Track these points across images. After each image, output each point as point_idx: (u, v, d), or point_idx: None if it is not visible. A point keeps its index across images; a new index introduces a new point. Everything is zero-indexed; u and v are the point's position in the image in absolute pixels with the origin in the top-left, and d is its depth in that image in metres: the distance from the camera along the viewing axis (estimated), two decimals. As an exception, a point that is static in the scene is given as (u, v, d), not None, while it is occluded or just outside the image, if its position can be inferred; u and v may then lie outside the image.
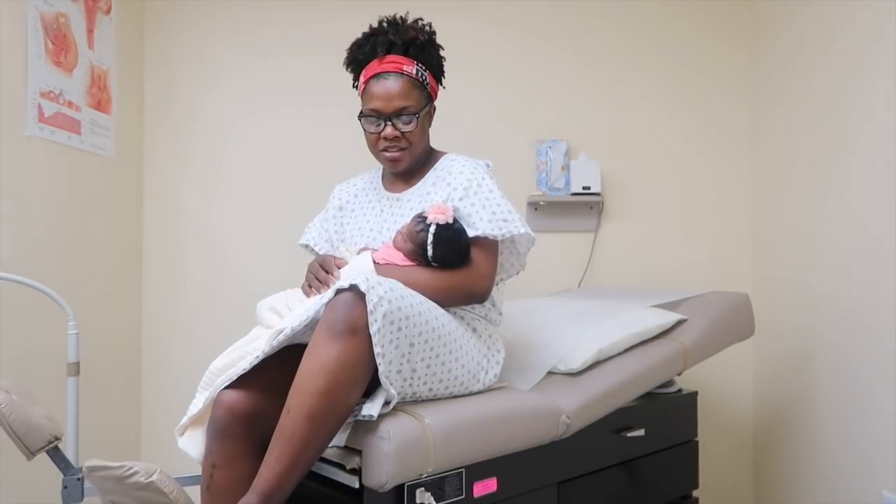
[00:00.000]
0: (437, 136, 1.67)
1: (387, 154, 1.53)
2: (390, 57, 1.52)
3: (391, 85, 1.49)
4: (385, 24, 1.55)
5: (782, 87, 2.40)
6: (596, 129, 2.60)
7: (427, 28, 1.57)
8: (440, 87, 1.63)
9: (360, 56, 1.56)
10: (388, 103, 1.49)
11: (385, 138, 1.51)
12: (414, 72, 1.51)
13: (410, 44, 1.52)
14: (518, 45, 2.59)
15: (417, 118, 1.51)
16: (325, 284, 1.40)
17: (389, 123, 1.50)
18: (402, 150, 1.52)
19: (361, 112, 1.53)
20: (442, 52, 1.60)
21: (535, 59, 2.59)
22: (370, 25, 1.57)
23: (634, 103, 2.62)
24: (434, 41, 1.57)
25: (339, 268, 1.44)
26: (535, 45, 2.59)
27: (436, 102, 1.61)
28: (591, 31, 2.61)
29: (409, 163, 1.56)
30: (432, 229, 1.41)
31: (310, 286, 1.43)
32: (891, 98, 1.81)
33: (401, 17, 1.56)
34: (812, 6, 2.20)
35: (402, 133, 1.50)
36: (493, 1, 2.58)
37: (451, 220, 1.43)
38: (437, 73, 1.59)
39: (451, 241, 1.43)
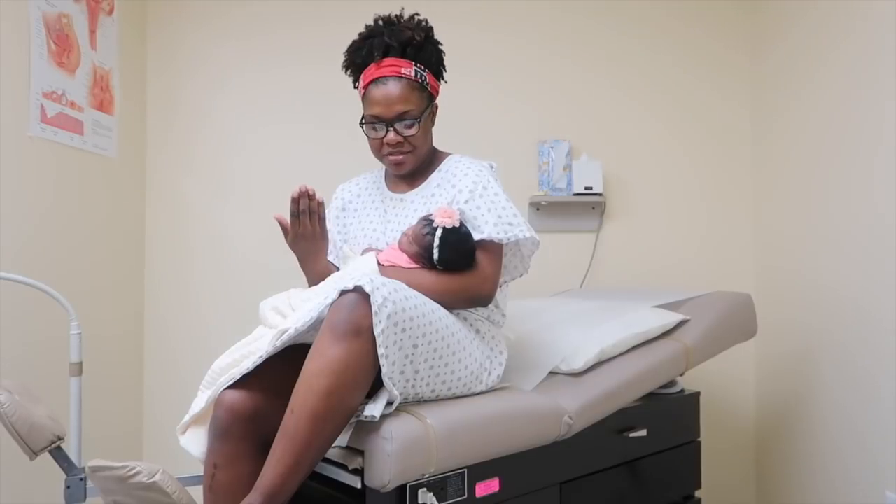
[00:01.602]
0: (440, 135, 1.67)
1: (391, 158, 1.52)
2: (388, 60, 1.50)
3: (391, 89, 1.47)
4: (381, 24, 1.54)
5: (783, 86, 2.39)
6: (598, 129, 2.60)
7: (423, 24, 1.55)
8: (442, 82, 1.61)
9: (358, 59, 1.54)
10: (388, 108, 1.47)
11: (388, 143, 1.50)
12: (413, 74, 1.49)
13: (407, 45, 1.50)
14: (520, 45, 2.59)
15: (419, 122, 1.49)
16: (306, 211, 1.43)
17: (392, 129, 1.49)
18: (405, 153, 1.51)
19: (363, 118, 1.52)
20: (441, 47, 1.58)
21: (537, 60, 2.59)
22: (366, 25, 1.55)
23: (637, 104, 2.62)
24: (431, 38, 1.55)
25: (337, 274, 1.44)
26: (537, 45, 2.59)
27: (437, 101, 1.60)
28: (594, 31, 2.61)
29: (413, 165, 1.55)
30: (439, 233, 1.41)
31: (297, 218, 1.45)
32: (893, 97, 1.80)
33: (396, 15, 1.54)
34: (813, 6, 2.20)
35: (405, 137, 1.49)
36: (495, 2, 2.59)
37: (457, 224, 1.43)
38: (437, 70, 1.57)
39: (457, 245, 1.43)
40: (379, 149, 1.53)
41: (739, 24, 2.63)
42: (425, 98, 1.52)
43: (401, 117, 1.48)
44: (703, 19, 2.63)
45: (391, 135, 1.49)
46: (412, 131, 1.49)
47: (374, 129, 1.50)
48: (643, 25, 2.61)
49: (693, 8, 2.62)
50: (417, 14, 1.56)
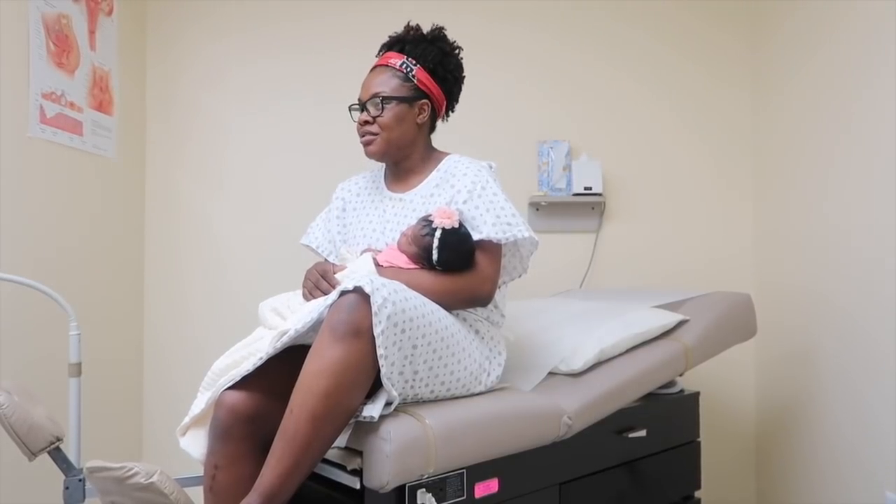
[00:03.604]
0: (439, 135, 1.67)
1: (361, 140, 1.58)
2: (383, 55, 1.60)
3: (373, 76, 1.57)
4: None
5: (784, 86, 2.39)
6: (598, 129, 2.60)
7: (434, 28, 1.60)
8: (450, 88, 1.63)
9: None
10: (365, 91, 1.56)
11: (358, 123, 1.57)
12: (398, 64, 1.55)
13: (401, 41, 1.58)
14: (519, 44, 2.59)
15: (384, 103, 1.52)
16: (325, 295, 1.38)
17: (365, 110, 1.55)
18: (373, 135, 1.55)
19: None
20: (445, 49, 1.60)
21: (536, 60, 2.59)
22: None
23: (636, 104, 2.61)
24: (436, 40, 1.59)
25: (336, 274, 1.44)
26: (536, 44, 2.59)
27: (438, 101, 1.61)
28: (593, 31, 2.61)
29: (382, 150, 1.56)
30: (438, 234, 1.41)
31: (311, 295, 1.43)
32: (893, 95, 1.80)
33: (415, 24, 1.61)
34: (811, 5, 2.19)
35: (374, 118, 1.54)
36: (493, 1, 2.59)
37: (456, 225, 1.43)
38: (435, 69, 1.58)
39: (456, 246, 1.43)
40: (357, 132, 1.58)
41: (740, 23, 2.62)
42: (409, 89, 1.55)
43: (372, 98, 1.54)
44: (702, 19, 2.62)
45: (362, 114, 1.56)
46: (377, 111, 1.53)
47: (355, 112, 1.59)
48: (642, 25, 2.61)
49: (693, 8, 2.62)
50: (440, 27, 1.61)
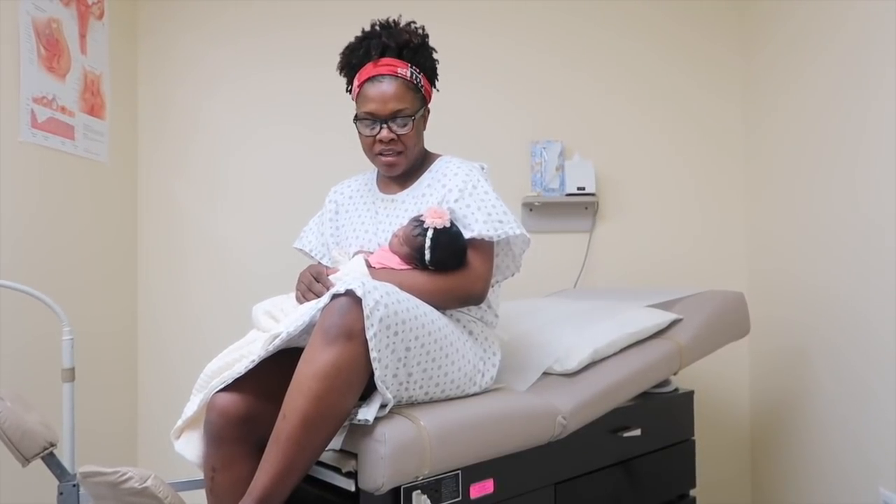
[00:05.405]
0: (432, 137, 1.68)
1: (383, 158, 1.53)
2: (385, 60, 1.51)
3: (386, 87, 1.49)
4: (378, 28, 1.55)
5: (775, 83, 2.40)
6: (590, 129, 2.61)
7: (420, 31, 1.57)
8: (434, 90, 1.63)
9: (354, 60, 1.56)
10: (383, 106, 1.49)
11: (380, 141, 1.51)
12: (408, 74, 1.51)
13: (404, 47, 1.52)
14: (512, 46, 2.59)
15: (413, 121, 1.50)
16: (318, 297, 1.37)
17: (385, 126, 1.49)
18: (398, 153, 1.52)
19: (356, 115, 1.53)
20: (435, 55, 1.60)
21: (529, 61, 2.60)
22: (363, 29, 1.57)
23: (628, 104, 2.62)
24: (427, 44, 1.57)
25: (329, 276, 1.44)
26: (529, 46, 2.60)
27: (430, 105, 1.61)
28: (586, 32, 2.62)
29: (405, 167, 1.56)
30: (430, 234, 1.41)
31: (304, 297, 1.42)
32: (888, 90, 1.81)
33: (394, 20, 1.57)
34: (803, 5, 2.20)
35: (398, 136, 1.50)
36: (486, 2, 2.59)
37: (448, 224, 1.43)
38: (431, 75, 1.59)
39: (448, 245, 1.43)
40: (371, 147, 1.54)
41: (730, 23, 2.63)
42: (419, 100, 1.54)
43: (395, 115, 1.49)
44: (693, 18, 2.64)
45: (384, 132, 1.49)
46: (405, 130, 1.50)
47: (368, 126, 1.51)
48: (634, 25, 2.62)
49: (684, 7, 2.63)
50: (414, 22, 1.58)
